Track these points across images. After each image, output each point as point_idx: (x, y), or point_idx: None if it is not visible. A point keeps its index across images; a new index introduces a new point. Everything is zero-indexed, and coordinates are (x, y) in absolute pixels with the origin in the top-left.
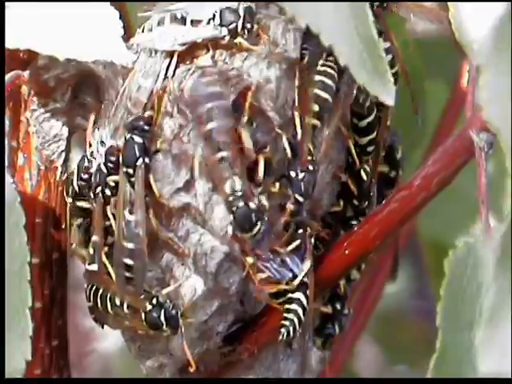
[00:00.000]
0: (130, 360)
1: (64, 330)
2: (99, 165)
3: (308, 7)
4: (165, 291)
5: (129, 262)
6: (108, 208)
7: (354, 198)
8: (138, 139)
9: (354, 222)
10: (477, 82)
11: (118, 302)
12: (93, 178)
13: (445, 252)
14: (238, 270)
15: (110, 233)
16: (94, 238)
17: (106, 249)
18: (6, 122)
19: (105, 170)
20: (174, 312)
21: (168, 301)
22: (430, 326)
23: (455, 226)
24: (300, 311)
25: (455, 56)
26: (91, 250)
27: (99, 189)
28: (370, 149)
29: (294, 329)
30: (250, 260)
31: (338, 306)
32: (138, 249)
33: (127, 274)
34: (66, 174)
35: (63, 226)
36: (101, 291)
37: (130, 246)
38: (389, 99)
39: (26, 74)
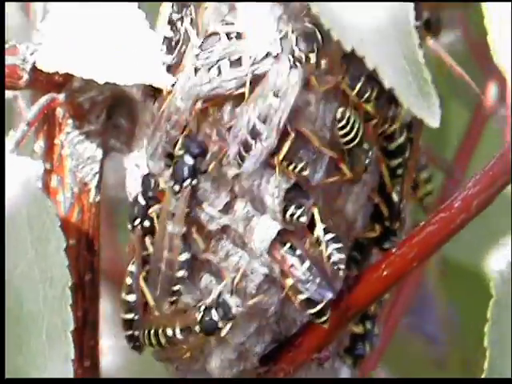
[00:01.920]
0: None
1: (96, 351)
2: (137, 195)
3: (353, 31)
4: (209, 299)
5: (163, 269)
6: (146, 239)
7: (385, 219)
8: (188, 160)
9: (387, 244)
10: None
11: (170, 332)
12: (130, 209)
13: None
14: (276, 291)
15: (147, 262)
16: (132, 267)
17: (143, 274)
18: (41, 145)
19: (143, 202)
20: (220, 300)
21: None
22: (436, 347)
23: (476, 250)
24: None
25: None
26: (129, 281)
27: (138, 221)
28: (400, 171)
29: None
30: (289, 281)
31: (369, 326)
32: (172, 260)
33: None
34: (98, 196)
35: (95, 248)
36: (152, 331)
37: (166, 255)
38: (434, 121)
39: (61, 96)
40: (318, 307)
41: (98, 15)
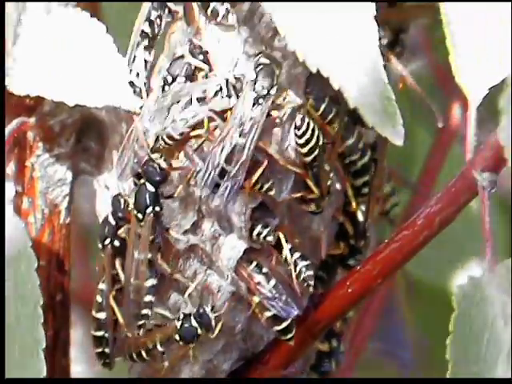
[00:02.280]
0: None
1: (67, 370)
2: (107, 216)
3: (318, 52)
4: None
5: (131, 295)
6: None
7: (350, 237)
8: (150, 188)
9: (352, 261)
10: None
11: (150, 345)
12: (100, 229)
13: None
14: (243, 308)
15: (116, 281)
16: (102, 286)
17: (113, 293)
18: (12, 167)
19: (113, 222)
20: (201, 310)
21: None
22: (403, 365)
23: (443, 271)
24: None
25: (437, 98)
26: (99, 299)
27: (108, 241)
28: (365, 190)
29: None
30: (256, 299)
31: (335, 344)
32: (138, 285)
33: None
34: (69, 218)
35: (66, 269)
36: (134, 355)
37: (133, 281)
38: (398, 140)
39: (32, 119)
40: (284, 324)
41: (68, 40)
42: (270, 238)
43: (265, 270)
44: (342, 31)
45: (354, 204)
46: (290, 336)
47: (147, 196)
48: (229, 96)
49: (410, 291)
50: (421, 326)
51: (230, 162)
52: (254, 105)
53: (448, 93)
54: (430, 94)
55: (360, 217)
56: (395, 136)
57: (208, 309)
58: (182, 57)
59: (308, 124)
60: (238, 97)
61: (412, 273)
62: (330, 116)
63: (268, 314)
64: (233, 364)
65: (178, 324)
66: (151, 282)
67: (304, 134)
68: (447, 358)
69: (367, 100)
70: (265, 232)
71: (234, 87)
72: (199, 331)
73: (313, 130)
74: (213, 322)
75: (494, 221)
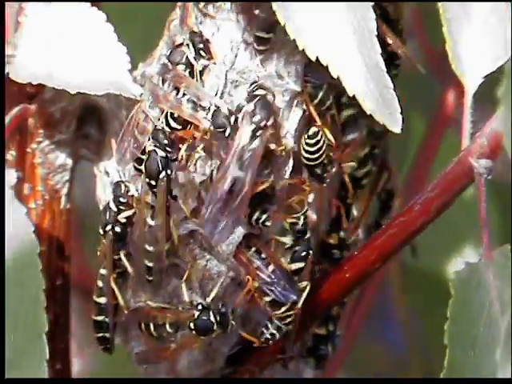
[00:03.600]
0: None
1: (67, 354)
2: (108, 202)
3: (318, 40)
4: (209, 299)
5: (149, 264)
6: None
7: (342, 230)
8: (161, 153)
9: (336, 252)
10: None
11: (160, 322)
12: (102, 215)
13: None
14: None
15: (117, 266)
16: (103, 271)
17: (114, 275)
18: (13, 154)
19: (114, 208)
20: (223, 310)
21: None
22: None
23: (436, 254)
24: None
25: (429, 87)
26: (100, 283)
27: (109, 227)
28: (365, 181)
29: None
30: (255, 284)
31: (331, 328)
32: (159, 251)
33: (147, 277)
34: (69, 203)
35: (66, 254)
36: (143, 325)
37: (151, 249)
38: (396, 127)
39: (33, 107)
40: (283, 309)
41: (69, 28)
42: (268, 224)
43: (263, 255)
44: (340, 20)
45: (351, 198)
46: (288, 321)
47: (158, 161)
48: (221, 126)
49: (404, 277)
50: (415, 311)
51: (230, 197)
52: (252, 137)
53: (442, 79)
54: (424, 79)
55: (355, 212)
56: (393, 123)
57: (229, 311)
58: (182, 44)
59: (320, 136)
60: (231, 127)
61: (407, 259)
62: (327, 103)
63: (267, 298)
64: (231, 348)
65: (196, 314)
66: (167, 245)
67: (316, 144)
68: (445, 343)
69: (365, 88)
70: (263, 218)
71: (228, 116)
72: (215, 327)
73: (323, 143)
74: (229, 326)
75: (491, 207)
